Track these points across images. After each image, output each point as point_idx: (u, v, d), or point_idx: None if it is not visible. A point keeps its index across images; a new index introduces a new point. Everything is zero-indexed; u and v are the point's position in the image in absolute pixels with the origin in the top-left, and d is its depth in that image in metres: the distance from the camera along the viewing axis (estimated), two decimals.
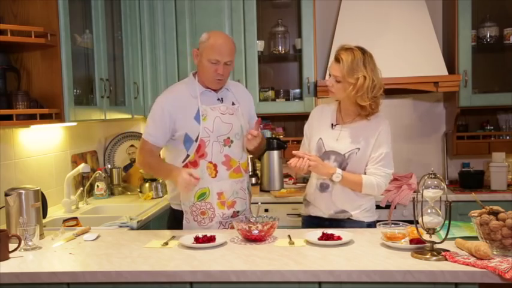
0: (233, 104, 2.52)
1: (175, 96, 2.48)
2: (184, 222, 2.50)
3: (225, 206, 2.47)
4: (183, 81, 2.59)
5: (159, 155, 2.57)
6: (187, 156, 2.44)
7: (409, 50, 3.60)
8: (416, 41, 3.61)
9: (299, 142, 3.87)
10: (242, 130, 2.51)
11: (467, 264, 1.76)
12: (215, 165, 2.44)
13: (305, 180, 3.93)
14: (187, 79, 2.55)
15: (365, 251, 1.98)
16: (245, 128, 2.52)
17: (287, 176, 3.95)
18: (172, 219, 2.58)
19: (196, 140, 2.42)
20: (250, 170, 3.50)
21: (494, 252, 1.85)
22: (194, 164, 2.44)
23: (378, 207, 3.40)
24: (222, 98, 2.50)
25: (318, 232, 2.16)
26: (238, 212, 2.51)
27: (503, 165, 3.51)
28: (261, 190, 3.73)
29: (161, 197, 3.44)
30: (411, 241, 2.00)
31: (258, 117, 2.62)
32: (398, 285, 1.76)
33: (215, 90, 2.49)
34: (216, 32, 2.48)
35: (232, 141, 2.47)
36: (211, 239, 2.13)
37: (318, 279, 1.79)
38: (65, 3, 2.58)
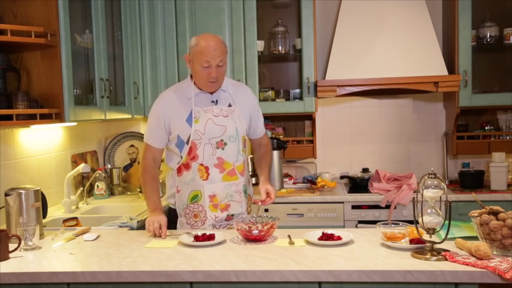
0: (229, 105, 2.49)
1: (171, 97, 2.49)
2: (178, 225, 2.52)
3: (218, 209, 2.46)
4: (182, 82, 2.60)
5: (159, 171, 2.60)
6: (181, 158, 2.45)
7: (409, 50, 3.60)
8: (416, 41, 3.61)
9: (299, 142, 3.93)
10: (237, 132, 2.48)
11: (467, 264, 1.76)
12: (206, 168, 2.43)
13: (305, 180, 3.93)
14: (185, 80, 2.56)
15: (365, 251, 1.98)
16: (242, 130, 2.50)
17: (287, 176, 3.95)
18: (169, 218, 2.56)
19: (187, 143, 2.42)
20: (250, 171, 3.49)
21: (494, 252, 1.85)
22: (186, 166, 2.45)
23: (378, 207, 3.42)
24: (216, 100, 2.48)
25: (318, 232, 2.16)
26: (233, 215, 2.50)
27: (503, 165, 3.51)
28: None
29: (161, 197, 3.43)
30: (411, 241, 2.00)
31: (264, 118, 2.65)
32: (398, 285, 1.76)
33: (210, 92, 2.47)
34: (204, 35, 2.44)
35: (225, 144, 2.44)
36: (211, 237, 2.16)
37: (318, 279, 1.79)
38: (65, 3, 2.58)
